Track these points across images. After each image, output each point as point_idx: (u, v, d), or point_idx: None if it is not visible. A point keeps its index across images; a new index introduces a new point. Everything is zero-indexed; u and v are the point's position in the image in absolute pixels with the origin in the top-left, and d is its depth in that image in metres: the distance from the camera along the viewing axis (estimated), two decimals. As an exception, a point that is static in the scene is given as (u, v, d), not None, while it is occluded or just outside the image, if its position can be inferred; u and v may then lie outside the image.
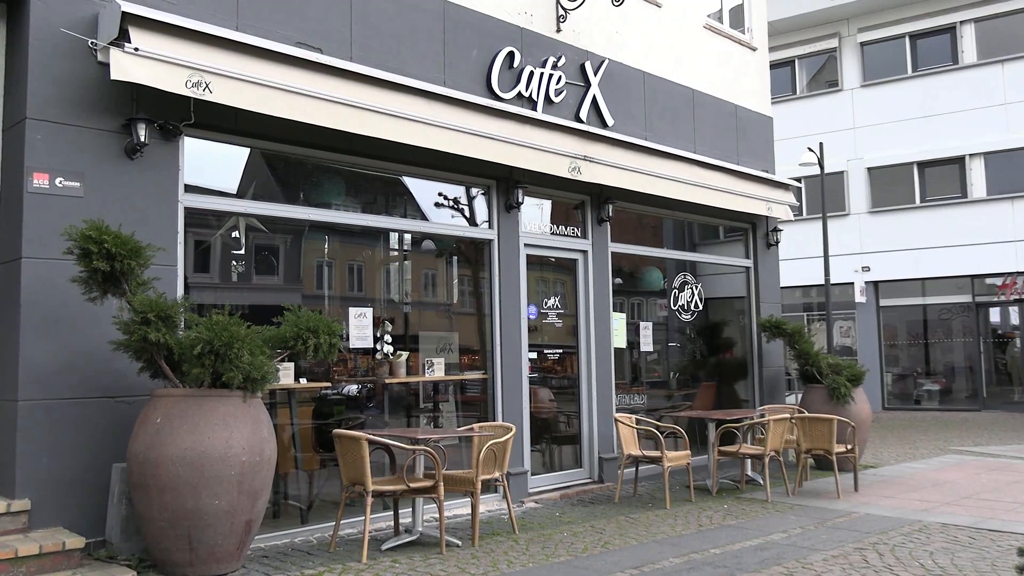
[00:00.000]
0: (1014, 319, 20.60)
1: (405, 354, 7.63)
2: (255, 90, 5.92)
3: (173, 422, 4.99)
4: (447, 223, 8.20)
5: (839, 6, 21.81)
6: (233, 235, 6.91)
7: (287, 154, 6.93)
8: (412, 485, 5.99)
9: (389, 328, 7.57)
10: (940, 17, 21.01)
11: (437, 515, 6.13)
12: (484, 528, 6.75)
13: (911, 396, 21.58)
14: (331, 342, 5.63)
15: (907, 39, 21.57)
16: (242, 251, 7.09)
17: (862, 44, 22.12)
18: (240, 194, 6.71)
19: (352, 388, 7.66)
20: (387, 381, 7.64)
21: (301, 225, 7.21)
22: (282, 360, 5.79)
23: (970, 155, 20.34)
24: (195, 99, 5.72)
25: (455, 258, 8.73)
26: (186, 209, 6.12)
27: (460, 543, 6.19)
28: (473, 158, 7.44)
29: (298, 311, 5.68)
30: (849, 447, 8.71)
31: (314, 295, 7.65)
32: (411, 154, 7.23)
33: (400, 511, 6.54)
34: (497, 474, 6.51)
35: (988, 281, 20.40)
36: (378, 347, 7.48)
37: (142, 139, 5.70)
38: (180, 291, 5.96)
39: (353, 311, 7.24)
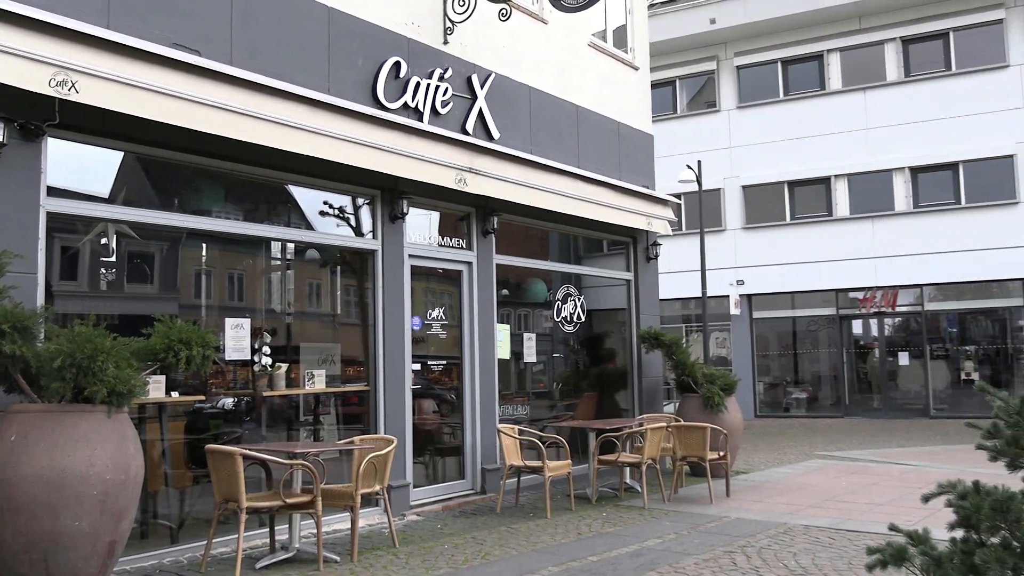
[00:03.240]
0: (874, 331, 21.96)
1: (285, 366, 7.46)
2: (127, 91, 5.68)
3: (30, 439, 4.70)
4: (331, 232, 8.08)
5: (716, 31, 22.78)
6: (102, 242, 6.61)
7: (164, 159, 6.67)
8: (289, 501, 5.86)
9: (268, 339, 7.39)
10: (809, 45, 22.26)
11: (315, 531, 6.01)
12: (364, 543, 6.66)
13: (781, 404, 22.66)
14: (204, 354, 5.44)
15: (779, 64, 22.74)
16: (113, 258, 6.78)
17: (738, 68, 23.17)
18: (112, 199, 6.42)
19: (229, 401, 7.43)
20: (266, 394, 7.45)
21: (178, 232, 6.95)
22: (152, 373, 5.56)
23: (835, 176, 21.60)
24: (60, 99, 5.43)
25: (339, 268, 8.61)
26: (49, 214, 5.80)
27: (339, 559, 6.10)
28: (358, 167, 7.37)
29: (170, 322, 5.47)
30: (722, 454, 9.08)
31: (192, 305, 7.39)
32: (295, 162, 7.09)
33: (277, 528, 6.38)
34: (378, 487, 6.44)
35: (851, 295, 21.69)
36: (256, 359, 7.29)
37: (0, 139, 5.37)
38: (40, 300, 5.64)
39: (230, 322, 7.02)
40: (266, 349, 7.32)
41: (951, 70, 20.80)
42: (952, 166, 20.42)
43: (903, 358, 21.30)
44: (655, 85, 21.66)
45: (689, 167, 18.87)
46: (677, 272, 20.75)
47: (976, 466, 3.46)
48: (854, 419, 20.87)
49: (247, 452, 5.84)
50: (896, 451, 13.71)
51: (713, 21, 22.61)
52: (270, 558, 6.05)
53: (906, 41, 21.37)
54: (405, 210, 8.24)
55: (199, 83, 6.15)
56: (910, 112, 20.77)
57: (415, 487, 8.35)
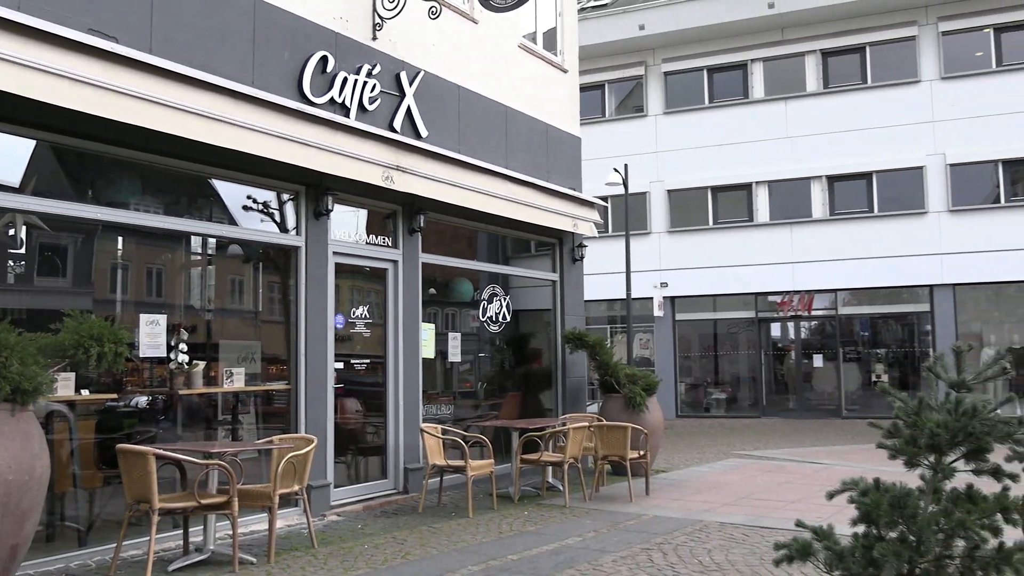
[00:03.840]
0: (791, 334, 22.65)
1: (202, 364, 7.28)
2: (39, 77, 5.46)
3: (-74, 438, 4.49)
4: (254, 228, 7.93)
5: (645, 36, 23.15)
6: (10, 233, 6.34)
7: (79, 148, 6.43)
8: (204, 501, 5.73)
9: (185, 336, 7.20)
10: (734, 54, 22.81)
11: (232, 532, 5.89)
12: (282, 544, 6.56)
13: (702, 404, 23.18)
14: (116, 351, 5.28)
15: (705, 72, 23.25)
16: (22, 250, 6.51)
17: (666, 74, 23.59)
18: (22, 189, 6.16)
19: (143, 400, 7.22)
20: (182, 392, 7.26)
21: (92, 225, 6.72)
22: (60, 370, 5.37)
23: (756, 182, 22.19)
24: (-36, 83, 5.20)
25: (262, 264, 8.46)
26: (-50, 203, 5.55)
27: (255, 560, 5.99)
28: (282, 162, 7.25)
29: (81, 317, 5.29)
30: (642, 453, 9.24)
31: (107, 300, 7.15)
32: (217, 155, 6.92)
33: (192, 529, 6.23)
34: (297, 487, 6.36)
35: (770, 299, 22.32)
36: (172, 356, 7.10)
37: (-102, 123, 5.12)
38: (-60, 293, 5.38)
39: (144, 318, 6.82)
40: (183, 346, 7.14)
41: (867, 83, 21.60)
42: (866, 176, 21.21)
43: (818, 360, 22.04)
44: (584, 88, 21.87)
45: (616, 170, 19.12)
46: (603, 274, 21.01)
47: (883, 464, 3.60)
48: (771, 419, 21.48)
49: (160, 452, 5.69)
50: (810, 450, 14.16)
51: (642, 27, 22.98)
52: (183, 560, 5.91)
53: (826, 54, 22.09)
54: (330, 207, 8.14)
55: (116, 71, 5.95)
56: (828, 122, 21.49)
57: (336, 487, 8.26)
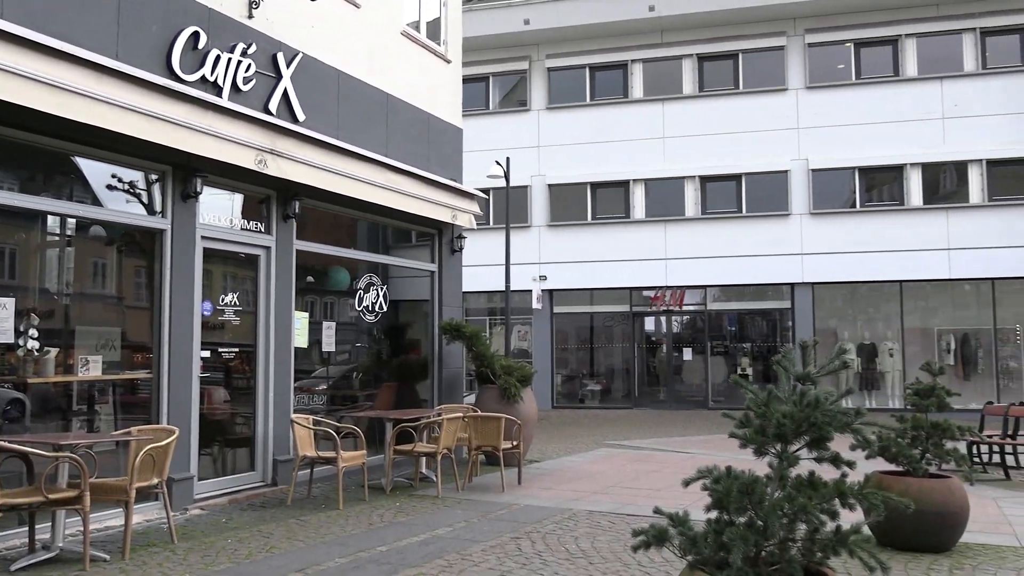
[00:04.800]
0: (663, 328, 23.43)
1: (54, 350, 6.87)
2: None
3: None
4: (116, 209, 7.52)
5: (530, 31, 23.36)
6: None
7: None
8: (52, 496, 5.41)
9: (36, 321, 6.77)
10: (614, 54, 23.33)
11: (83, 528, 5.59)
12: (139, 539, 6.28)
13: (577, 395, 23.67)
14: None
15: (587, 70, 23.68)
16: None
17: (549, 69, 23.89)
18: None
19: (-13, 388, 6.75)
20: (31, 380, 6.83)
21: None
22: None
23: (633, 180, 22.80)
24: None
25: (127, 247, 8.04)
26: None
27: (108, 557, 5.71)
28: (148, 141, 6.91)
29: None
30: (515, 443, 9.35)
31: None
32: (77, 131, 6.52)
33: (40, 526, 5.87)
34: (156, 481, 6.10)
35: (644, 293, 23.01)
36: (21, 342, 6.66)
37: None
38: None
39: (-10, 301, 6.38)
40: (33, 332, 6.72)
41: (739, 89, 22.54)
42: (736, 178, 22.15)
43: (687, 353, 22.90)
44: (469, 80, 21.85)
45: (498, 163, 19.21)
46: (483, 266, 21.13)
47: (743, 453, 3.75)
48: (643, 410, 22.17)
49: (3, 444, 5.33)
50: (677, 440, 14.70)
51: (527, 22, 23.17)
52: (29, 559, 5.57)
53: (701, 58, 22.90)
54: (199, 189, 7.82)
55: (-40, 35, 5.53)
56: (702, 125, 22.32)
57: (201, 480, 7.97)
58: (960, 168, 20.88)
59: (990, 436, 10.90)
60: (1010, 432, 10.90)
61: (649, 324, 23.73)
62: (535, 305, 22.98)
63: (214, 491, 8.11)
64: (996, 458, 10.76)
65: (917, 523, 6.03)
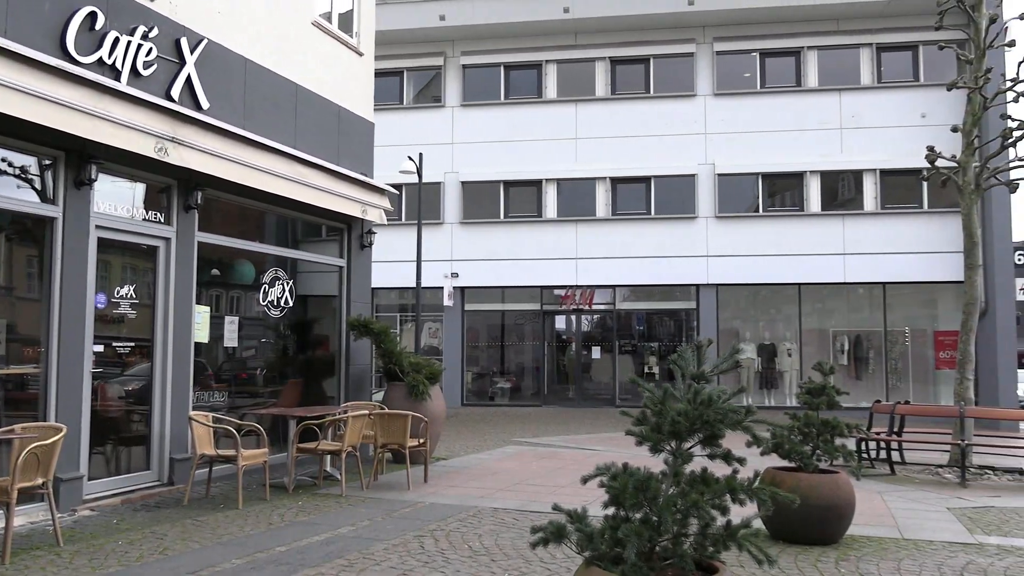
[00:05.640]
0: (573, 326, 23.70)
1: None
2: None
3: None
4: (3, 195, 7.09)
5: (446, 27, 23.27)
6: None
7: None
8: (-76, 498, 5.10)
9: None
10: (529, 54, 23.46)
11: (-41, 531, 5.30)
12: (22, 543, 5.98)
13: (487, 393, 23.72)
14: None
15: (502, 68, 23.73)
16: None
17: (464, 66, 23.84)
18: None
19: None
20: (-96, 375, 6.43)
21: None
22: None
23: (546, 180, 22.98)
24: None
25: (15, 235, 7.62)
26: None
27: (-13, 561, 5.42)
28: (39, 125, 6.57)
29: None
30: (422, 441, 9.30)
31: None
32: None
33: (-91, 529, 5.53)
34: (41, 480, 5.82)
35: (555, 292, 23.23)
36: None
37: None
38: None
39: None
40: (-95, 323, 6.31)
41: (650, 93, 22.98)
42: (646, 180, 22.58)
43: (596, 352, 23.24)
44: (383, 74, 21.63)
45: (411, 159, 19.10)
46: (395, 262, 20.96)
47: (646, 450, 3.80)
48: (552, 408, 22.39)
49: None
50: (584, 437, 14.91)
51: (443, 18, 23.06)
52: None
53: (614, 61, 23.26)
54: (94, 176, 7.50)
55: None
56: (614, 127, 22.68)
57: (92, 479, 7.65)
58: (856, 177, 21.83)
59: (878, 433, 11.43)
60: (896, 429, 11.46)
61: (559, 323, 23.96)
62: (446, 302, 22.92)
63: (106, 491, 7.79)
64: (884, 454, 11.28)
65: (807, 517, 6.28)
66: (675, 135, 22.31)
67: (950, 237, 20.13)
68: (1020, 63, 11.78)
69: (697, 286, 22.14)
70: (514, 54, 23.57)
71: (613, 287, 22.81)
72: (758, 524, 3.45)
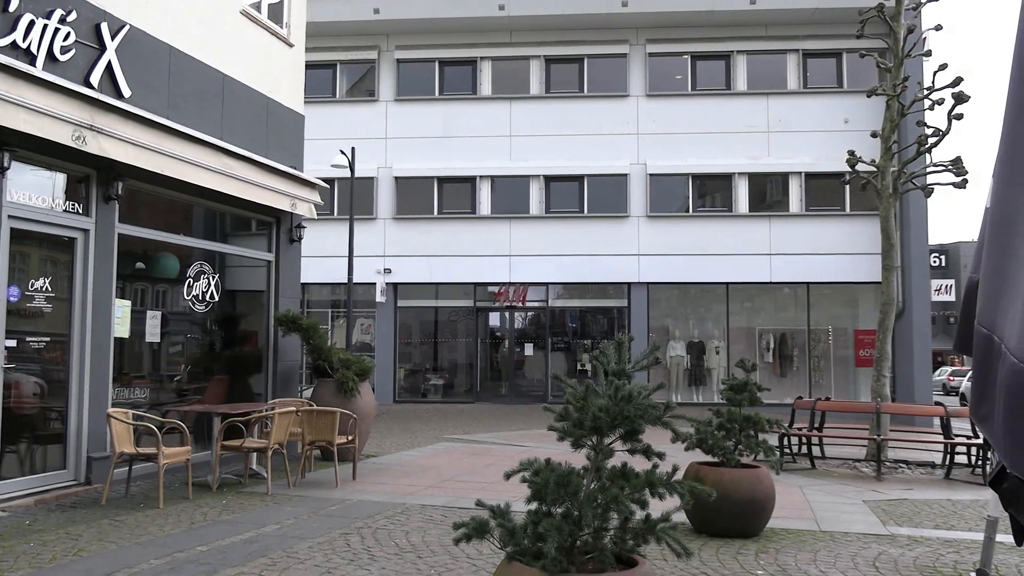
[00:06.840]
0: (506, 323, 23.77)
1: None
2: None
3: None
4: (-96, 182, 6.81)
5: (380, 21, 23.06)
6: None
7: None
8: None
9: None
10: (464, 50, 23.42)
11: None
12: (-75, 545, 5.73)
13: (420, 390, 23.62)
14: None
15: (437, 64, 23.63)
16: None
17: (398, 61, 23.66)
18: None
19: None
20: None
21: None
22: None
23: (480, 176, 22.98)
24: None
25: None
26: None
27: None
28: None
29: None
30: (351, 438, 9.21)
31: None
32: None
33: None
34: (-54, 481, 5.57)
35: (488, 289, 23.25)
36: None
37: None
38: None
39: None
40: None
41: (584, 92, 23.18)
42: (579, 179, 22.78)
43: (529, 349, 23.35)
44: (316, 66, 21.36)
45: (343, 153, 18.88)
46: (327, 257, 20.72)
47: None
48: (484, 404, 22.41)
49: None
50: (516, 434, 14.97)
51: (377, 11, 22.83)
52: None
53: (549, 60, 23.39)
54: (6, 164, 7.22)
55: None
56: (548, 125, 22.81)
57: (3, 479, 7.37)
58: (783, 179, 22.41)
59: (799, 428, 11.76)
60: (816, 425, 11.81)
61: (493, 320, 23.99)
62: (379, 298, 22.74)
63: (18, 491, 7.51)
64: (805, 449, 11.61)
65: (729, 510, 6.43)
66: (608, 135, 22.56)
67: (870, 239, 20.82)
68: (935, 72, 12.25)
69: (629, 284, 22.43)
70: (449, 50, 23.51)
71: (546, 284, 22.95)
72: (681, 518, 3.53)
